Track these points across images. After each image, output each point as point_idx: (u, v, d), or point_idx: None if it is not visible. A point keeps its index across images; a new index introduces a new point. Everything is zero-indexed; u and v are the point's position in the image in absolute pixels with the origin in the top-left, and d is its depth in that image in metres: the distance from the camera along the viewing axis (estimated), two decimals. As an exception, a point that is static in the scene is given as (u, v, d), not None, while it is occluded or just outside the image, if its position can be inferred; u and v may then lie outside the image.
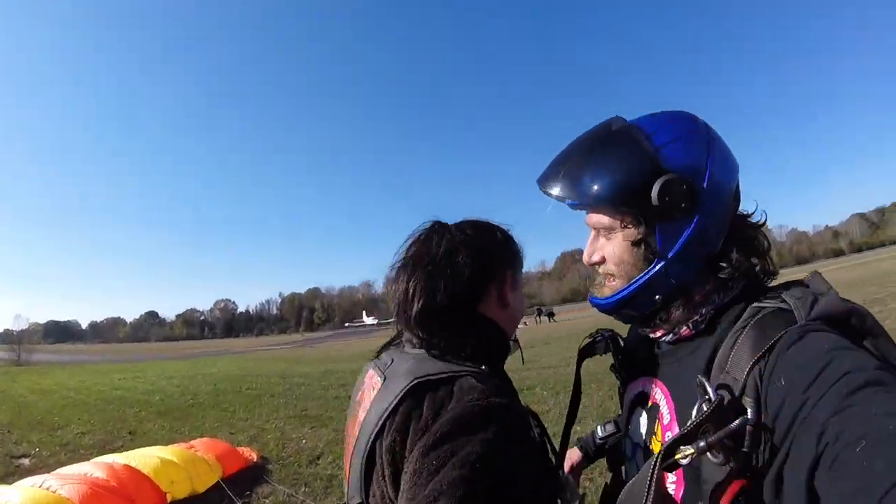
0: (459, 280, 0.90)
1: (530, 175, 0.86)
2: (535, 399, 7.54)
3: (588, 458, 1.33)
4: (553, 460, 0.86)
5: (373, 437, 0.83)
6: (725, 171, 0.76)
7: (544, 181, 0.81)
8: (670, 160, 0.73)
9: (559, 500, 0.83)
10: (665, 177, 0.71)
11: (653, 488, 0.61)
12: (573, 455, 1.35)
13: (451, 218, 1.01)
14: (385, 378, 0.88)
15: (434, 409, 0.78)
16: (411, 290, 0.90)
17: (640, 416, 0.88)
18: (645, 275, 0.77)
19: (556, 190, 0.79)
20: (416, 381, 0.82)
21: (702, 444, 0.62)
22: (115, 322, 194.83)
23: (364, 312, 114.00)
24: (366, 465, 0.84)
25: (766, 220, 0.81)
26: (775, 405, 0.63)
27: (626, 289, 0.80)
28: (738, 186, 0.80)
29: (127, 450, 5.00)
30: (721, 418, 0.63)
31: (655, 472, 0.61)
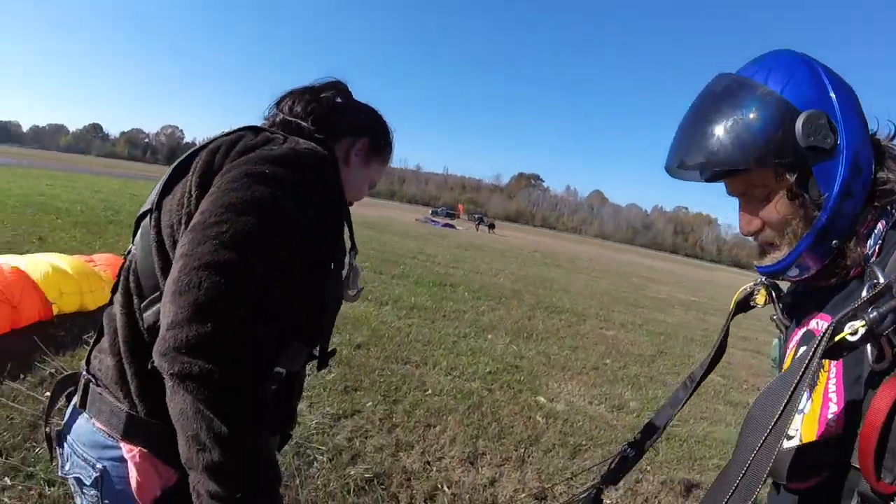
0: (321, 106, 1.01)
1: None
2: (456, 297, 7.78)
3: None
4: (349, 242, 0.97)
5: (197, 149, 0.87)
6: (848, 92, 0.73)
7: (675, 163, 0.79)
8: (798, 99, 0.70)
9: (343, 278, 0.94)
10: (803, 115, 0.69)
11: (815, 363, 0.57)
12: None
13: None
14: None
15: (266, 138, 0.85)
16: (289, 100, 1.01)
17: None
18: (819, 221, 0.73)
19: (694, 166, 0.77)
20: (252, 126, 0.91)
21: (873, 314, 0.59)
22: (58, 129, 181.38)
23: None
24: (174, 173, 0.87)
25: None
26: None
27: (803, 241, 0.76)
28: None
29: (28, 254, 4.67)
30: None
31: (822, 347, 0.58)
